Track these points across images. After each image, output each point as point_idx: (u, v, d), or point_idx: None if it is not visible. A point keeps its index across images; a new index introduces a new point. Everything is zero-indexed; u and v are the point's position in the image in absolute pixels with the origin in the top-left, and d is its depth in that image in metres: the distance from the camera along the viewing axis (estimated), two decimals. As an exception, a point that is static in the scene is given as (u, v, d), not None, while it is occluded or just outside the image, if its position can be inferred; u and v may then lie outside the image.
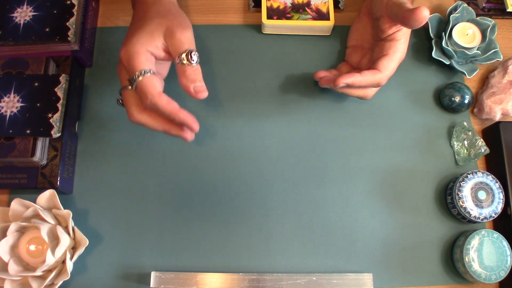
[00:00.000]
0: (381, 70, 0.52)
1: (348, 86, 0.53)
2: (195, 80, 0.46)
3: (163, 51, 0.48)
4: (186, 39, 0.47)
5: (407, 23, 0.48)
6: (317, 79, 0.58)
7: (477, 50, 0.62)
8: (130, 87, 0.47)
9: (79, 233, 0.53)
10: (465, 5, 0.64)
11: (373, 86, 0.54)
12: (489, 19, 0.62)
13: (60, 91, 0.56)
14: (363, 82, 0.52)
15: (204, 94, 0.46)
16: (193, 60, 0.46)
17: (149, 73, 0.45)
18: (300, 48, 0.65)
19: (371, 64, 0.55)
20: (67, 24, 0.58)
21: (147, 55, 0.46)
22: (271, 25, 0.63)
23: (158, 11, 0.49)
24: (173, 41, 0.47)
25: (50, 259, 0.50)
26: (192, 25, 0.50)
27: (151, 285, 0.53)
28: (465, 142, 0.60)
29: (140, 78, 0.45)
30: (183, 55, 0.46)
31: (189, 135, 0.50)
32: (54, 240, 0.52)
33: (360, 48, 0.60)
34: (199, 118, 0.60)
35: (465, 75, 0.62)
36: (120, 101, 0.51)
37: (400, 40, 0.53)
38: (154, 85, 0.45)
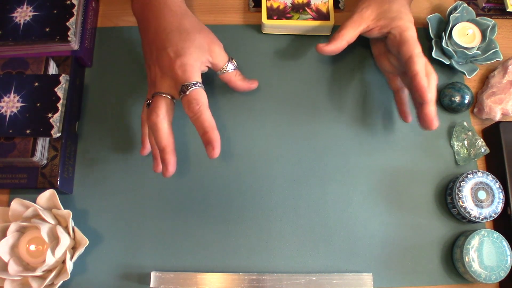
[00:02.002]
0: (412, 54, 0.51)
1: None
2: (243, 78, 0.57)
3: (206, 66, 0.53)
4: (223, 50, 0.55)
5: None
6: (409, 120, 0.59)
7: (477, 50, 0.62)
8: (165, 95, 0.50)
9: (79, 233, 0.53)
10: (465, 5, 0.64)
11: (425, 66, 0.52)
12: (489, 19, 0.62)
13: (60, 91, 0.56)
14: (423, 72, 0.51)
15: (255, 83, 0.59)
16: (235, 64, 0.56)
17: (202, 86, 0.49)
18: (300, 48, 0.65)
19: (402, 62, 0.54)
20: (67, 24, 0.58)
21: (199, 70, 0.51)
22: (271, 25, 0.63)
23: (193, 25, 0.53)
24: (216, 54, 0.53)
25: (50, 259, 0.50)
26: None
27: (151, 285, 0.53)
28: (465, 142, 0.60)
29: (196, 87, 0.48)
30: (229, 64, 0.55)
31: (166, 173, 0.50)
32: (54, 240, 0.52)
33: (383, 55, 0.60)
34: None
35: (465, 75, 0.62)
36: (149, 101, 0.52)
37: (393, 28, 0.54)
38: (205, 96, 0.49)
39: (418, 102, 0.52)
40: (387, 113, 0.62)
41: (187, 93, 0.48)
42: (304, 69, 0.64)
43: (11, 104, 0.55)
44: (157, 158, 0.53)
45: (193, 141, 0.60)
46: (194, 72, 0.49)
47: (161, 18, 0.52)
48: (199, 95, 0.48)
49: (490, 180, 0.57)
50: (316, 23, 0.63)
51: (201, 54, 0.51)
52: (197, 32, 0.52)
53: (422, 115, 0.52)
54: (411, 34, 0.53)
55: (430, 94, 0.51)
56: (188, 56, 0.49)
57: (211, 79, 0.63)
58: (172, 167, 0.49)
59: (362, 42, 0.64)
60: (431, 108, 0.51)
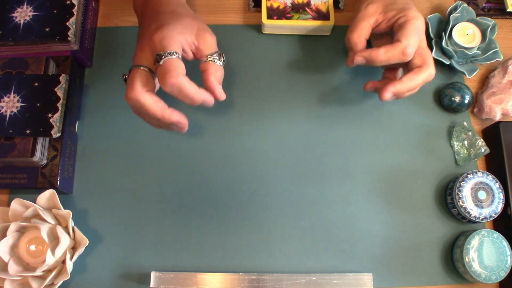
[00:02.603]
0: (401, 40, 0.51)
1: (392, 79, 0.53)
2: (220, 81, 0.49)
3: (189, 48, 0.49)
4: (215, 41, 0.50)
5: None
6: (365, 90, 0.58)
7: (477, 50, 0.62)
8: (142, 67, 0.46)
9: (79, 233, 0.53)
10: (465, 5, 0.64)
11: (400, 58, 0.52)
12: (489, 19, 0.62)
13: (60, 91, 0.56)
14: (384, 59, 0.51)
15: (223, 96, 0.49)
16: (223, 61, 0.49)
17: (179, 56, 0.46)
18: (300, 48, 0.65)
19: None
20: (67, 24, 0.58)
21: (180, 44, 0.47)
22: (271, 25, 0.63)
23: (187, 13, 0.51)
24: (204, 40, 0.49)
25: (50, 259, 0.50)
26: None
27: (151, 285, 0.53)
28: (465, 142, 0.60)
29: (173, 56, 0.45)
30: (215, 55, 0.49)
31: (185, 127, 0.49)
32: (54, 240, 0.52)
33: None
34: (198, 118, 0.61)
35: (465, 75, 0.62)
36: (125, 77, 0.50)
37: (399, 19, 0.53)
38: (183, 67, 0.45)
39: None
40: (387, 113, 0.62)
41: (161, 62, 0.44)
42: (304, 69, 0.64)
43: (11, 104, 0.55)
44: (169, 125, 0.49)
45: (193, 142, 0.60)
46: (173, 43, 0.46)
47: (158, 7, 0.51)
48: (174, 65, 0.44)
49: (490, 180, 0.57)
50: (316, 23, 0.63)
51: (186, 33, 0.48)
52: (189, 17, 0.50)
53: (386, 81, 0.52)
54: (418, 25, 0.51)
55: (409, 49, 0.50)
56: (171, 29, 0.46)
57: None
58: (183, 120, 0.47)
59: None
60: (397, 85, 0.51)
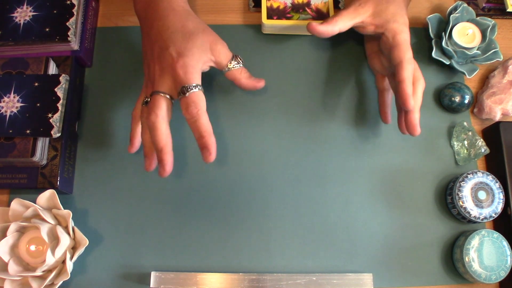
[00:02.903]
0: (401, 60, 0.52)
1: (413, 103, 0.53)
2: (248, 76, 0.56)
3: (208, 66, 0.53)
4: (227, 48, 0.54)
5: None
6: (388, 122, 0.60)
7: (477, 50, 0.62)
8: (167, 96, 0.50)
9: (79, 233, 0.53)
10: (465, 5, 0.64)
11: (412, 73, 0.53)
12: (489, 19, 0.62)
13: (60, 91, 0.56)
14: (410, 80, 0.52)
15: (263, 82, 0.57)
16: (241, 61, 0.55)
17: (202, 89, 0.49)
18: (300, 48, 0.65)
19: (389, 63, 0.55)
20: (67, 24, 0.58)
21: (200, 70, 0.51)
22: (271, 25, 0.63)
23: (196, 26, 0.53)
24: (219, 53, 0.53)
25: (50, 259, 0.50)
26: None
27: (151, 285, 0.53)
28: (465, 142, 0.60)
29: (196, 89, 0.48)
30: (233, 61, 0.54)
31: (163, 173, 0.50)
32: (54, 240, 0.52)
33: (375, 54, 0.60)
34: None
35: (465, 75, 0.62)
36: (147, 99, 0.52)
37: (386, 29, 0.54)
38: (204, 100, 0.49)
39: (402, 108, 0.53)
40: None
41: (187, 95, 0.48)
42: (304, 69, 0.64)
43: (11, 104, 0.55)
44: (149, 157, 0.52)
45: (193, 141, 0.60)
46: (195, 73, 0.49)
47: (164, 18, 0.52)
48: (198, 98, 0.48)
49: (490, 180, 0.57)
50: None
51: (203, 54, 0.51)
52: (200, 32, 0.52)
53: (406, 121, 0.53)
54: (404, 38, 0.53)
55: (413, 102, 0.51)
56: (191, 57, 0.49)
57: (211, 78, 0.63)
58: (169, 167, 0.49)
59: (361, 42, 0.64)
60: (415, 116, 0.52)
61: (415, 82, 0.53)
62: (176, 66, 0.49)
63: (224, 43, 0.54)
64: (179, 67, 0.49)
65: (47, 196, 0.54)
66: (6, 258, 0.51)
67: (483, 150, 0.58)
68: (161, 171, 0.49)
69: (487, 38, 0.62)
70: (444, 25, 0.64)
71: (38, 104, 0.55)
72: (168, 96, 0.50)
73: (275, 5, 0.63)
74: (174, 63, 0.49)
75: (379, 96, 0.61)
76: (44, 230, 0.50)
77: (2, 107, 0.55)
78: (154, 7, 0.53)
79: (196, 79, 0.49)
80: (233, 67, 0.54)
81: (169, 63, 0.49)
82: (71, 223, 0.53)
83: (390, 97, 0.60)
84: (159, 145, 0.48)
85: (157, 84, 0.50)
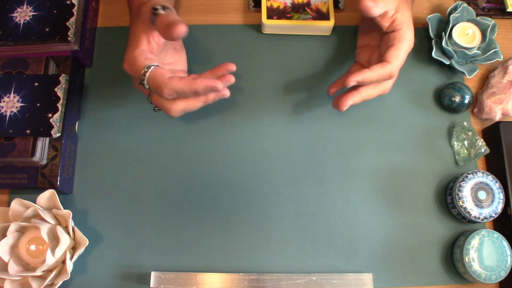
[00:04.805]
0: (390, 61, 0.51)
1: (360, 84, 0.51)
2: (168, 22, 0.46)
3: (154, 40, 0.49)
4: (149, 4, 0.48)
5: (360, 11, 0.50)
6: (330, 94, 0.58)
7: (477, 50, 0.62)
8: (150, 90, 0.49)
9: (79, 233, 0.53)
10: (465, 5, 0.64)
11: (385, 78, 0.52)
12: (489, 19, 0.62)
13: (60, 91, 0.56)
14: (373, 77, 0.51)
15: (180, 27, 0.45)
16: (156, 9, 0.47)
17: (152, 67, 0.47)
18: (300, 48, 0.65)
19: (380, 58, 0.54)
20: (67, 24, 0.58)
21: (144, 54, 0.48)
22: (271, 25, 0.63)
23: (136, 16, 0.51)
24: (143, 16, 0.48)
25: (50, 259, 0.50)
26: (192, 25, 0.50)
27: (151, 285, 0.53)
28: (465, 142, 0.60)
29: (147, 75, 0.47)
30: (150, 15, 0.48)
31: (226, 92, 0.51)
32: (54, 240, 0.52)
33: (367, 47, 0.59)
34: (198, 118, 0.61)
35: (465, 75, 0.62)
36: (156, 108, 0.53)
37: (402, 29, 0.52)
38: (162, 74, 0.47)
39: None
40: (387, 113, 0.62)
41: (145, 86, 0.48)
42: (304, 69, 0.64)
43: (11, 104, 0.55)
44: (213, 94, 0.51)
45: (193, 141, 0.60)
46: (139, 60, 0.47)
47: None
48: (154, 79, 0.46)
49: (490, 180, 0.57)
50: (316, 23, 0.63)
51: (139, 39, 0.49)
52: (132, 23, 0.51)
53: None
54: (408, 46, 0.52)
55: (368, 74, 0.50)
56: (128, 53, 0.48)
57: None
58: (215, 82, 0.47)
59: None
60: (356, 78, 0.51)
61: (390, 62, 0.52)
62: (126, 70, 0.49)
63: (151, 2, 0.49)
64: (127, 69, 0.48)
65: (47, 196, 0.54)
66: (6, 258, 0.51)
67: (483, 150, 0.58)
68: (221, 96, 0.50)
69: (487, 38, 0.62)
70: (444, 25, 0.64)
71: (38, 104, 0.55)
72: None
73: (275, 5, 0.63)
74: (125, 69, 0.49)
75: (343, 75, 0.58)
76: (44, 230, 0.51)
77: (2, 107, 0.55)
78: (130, 19, 0.54)
79: (140, 64, 0.47)
80: (152, 21, 0.48)
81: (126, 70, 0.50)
82: (71, 223, 0.53)
83: (347, 82, 0.57)
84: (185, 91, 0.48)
85: (143, 91, 0.52)
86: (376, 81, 0.52)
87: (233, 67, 0.54)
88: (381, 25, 0.53)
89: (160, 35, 0.48)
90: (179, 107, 0.50)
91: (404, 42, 0.52)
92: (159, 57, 0.51)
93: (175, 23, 0.45)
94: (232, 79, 0.52)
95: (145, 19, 0.49)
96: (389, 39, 0.53)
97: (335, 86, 0.57)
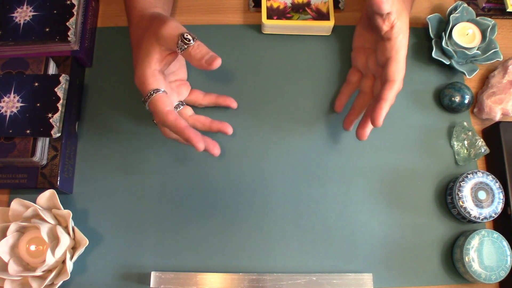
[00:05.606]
0: (395, 78, 0.52)
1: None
2: (203, 55, 0.47)
3: (165, 57, 0.50)
4: (171, 29, 0.48)
5: (369, 5, 0.50)
6: (339, 111, 0.60)
7: (477, 50, 0.62)
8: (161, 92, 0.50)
9: (79, 233, 0.53)
10: (465, 5, 0.64)
11: (397, 93, 0.53)
12: (489, 19, 0.62)
13: (60, 91, 0.56)
14: (390, 102, 0.52)
15: (218, 61, 0.47)
16: (189, 40, 0.47)
17: (158, 92, 0.49)
18: (300, 48, 0.65)
19: (379, 68, 0.55)
20: (67, 24, 0.58)
21: (155, 75, 0.49)
22: (271, 25, 0.63)
23: (143, 28, 0.51)
24: (164, 39, 0.48)
25: (50, 259, 0.50)
26: (192, 25, 0.50)
27: (151, 285, 0.53)
28: (465, 142, 0.60)
29: (150, 98, 0.48)
30: (179, 42, 0.47)
31: (215, 151, 0.52)
32: (54, 240, 0.52)
33: (363, 49, 0.59)
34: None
35: (465, 75, 0.62)
36: (155, 121, 0.55)
37: (398, 37, 0.52)
38: (163, 103, 0.48)
39: (374, 100, 0.52)
40: (387, 113, 0.62)
41: (146, 107, 0.49)
42: (304, 69, 0.64)
43: (11, 104, 0.55)
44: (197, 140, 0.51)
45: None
46: (149, 81, 0.49)
47: (130, 31, 0.55)
48: (155, 105, 0.48)
49: (490, 180, 0.57)
50: (316, 23, 0.63)
51: (150, 56, 0.49)
52: (144, 33, 0.50)
53: (374, 109, 0.51)
54: (403, 55, 0.52)
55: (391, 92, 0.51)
56: (140, 66, 0.49)
57: (211, 79, 0.63)
58: (199, 141, 0.48)
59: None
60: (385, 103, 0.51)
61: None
62: (135, 81, 0.50)
63: (166, 24, 0.48)
64: (136, 84, 0.50)
65: (47, 196, 0.54)
66: (6, 258, 0.51)
67: (483, 150, 0.58)
68: (210, 152, 0.51)
69: (487, 38, 0.62)
70: (444, 25, 0.64)
71: (38, 104, 0.55)
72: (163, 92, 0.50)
73: (275, 5, 0.63)
74: (135, 83, 0.50)
75: (343, 86, 0.60)
76: (44, 230, 0.51)
77: (2, 107, 0.55)
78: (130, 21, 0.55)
79: (149, 85, 0.49)
80: (181, 49, 0.48)
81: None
82: (71, 223, 0.53)
83: (352, 92, 0.60)
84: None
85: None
86: (392, 100, 0.53)
87: (234, 104, 0.59)
88: (381, 27, 0.52)
89: (192, 63, 0.48)
90: (172, 135, 0.54)
91: (401, 52, 0.52)
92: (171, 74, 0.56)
93: (213, 57, 0.47)
94: (217, 151, 0.51)
95: (166, 42, 0.48)
96: (386, 48, 0.53)
97: (349, 121, 0.59)
